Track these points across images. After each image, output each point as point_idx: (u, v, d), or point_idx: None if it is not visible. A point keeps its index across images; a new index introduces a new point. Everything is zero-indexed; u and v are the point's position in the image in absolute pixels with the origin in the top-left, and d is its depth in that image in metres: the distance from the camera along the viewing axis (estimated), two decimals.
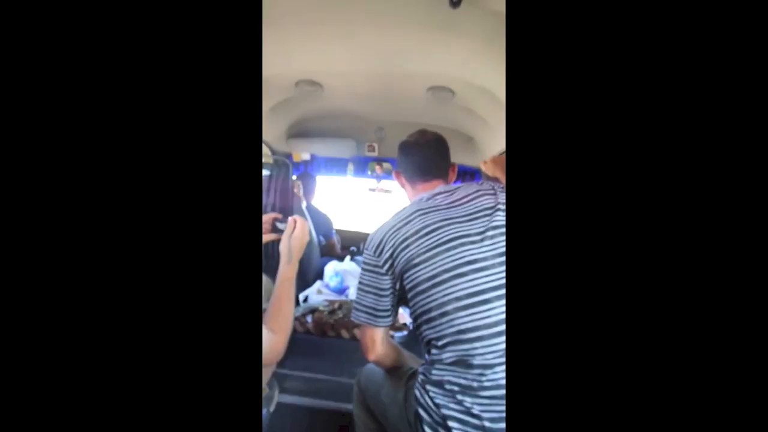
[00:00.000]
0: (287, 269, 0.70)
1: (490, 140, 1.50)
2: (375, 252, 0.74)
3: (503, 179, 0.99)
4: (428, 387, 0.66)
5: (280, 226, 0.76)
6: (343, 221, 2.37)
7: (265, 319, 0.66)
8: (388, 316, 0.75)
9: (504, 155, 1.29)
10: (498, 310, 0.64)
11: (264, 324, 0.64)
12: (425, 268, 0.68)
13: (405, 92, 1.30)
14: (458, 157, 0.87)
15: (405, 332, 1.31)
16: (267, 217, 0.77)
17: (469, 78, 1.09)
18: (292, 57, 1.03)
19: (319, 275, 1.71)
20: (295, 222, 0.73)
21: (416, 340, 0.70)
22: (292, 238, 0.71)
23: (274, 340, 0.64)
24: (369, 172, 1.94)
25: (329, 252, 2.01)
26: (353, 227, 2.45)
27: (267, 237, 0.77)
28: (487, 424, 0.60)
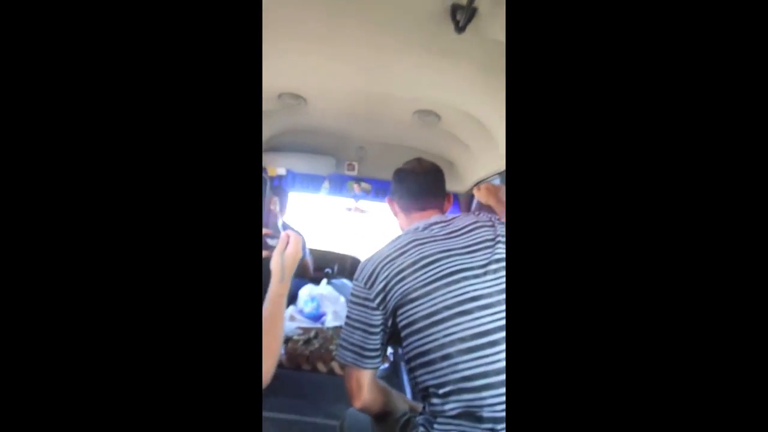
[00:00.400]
0: (280, 287, 0.65)
1: (472, 166, 1.50)
2: (366, 283, 0.68)
3: (497, 207, 0.97)
4: None
5: (270, 242, 0.72)
6: (315, 240, 2.27)
7: None
8: (377, 357, 0.68)
9: (497, 183, 1.29)
10: None
11: None
12: (423, 303, 0.63)
13: (391, 113, 1.27)
14: None
15: (386, 364, 1.23)
16: None
17: (459, 104, 1.08)
18: (278, 67, 0.97)
19: (292, 299, 1.60)
20: (288, 237, 0.69)
21: (397, 373, 0.65)
22: (285, 255, 0.67)
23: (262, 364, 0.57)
24: (348, 191, 1.88)
25: (303, 273, 1.90)
26: (326, 246, 2.35)
27: None
28: None
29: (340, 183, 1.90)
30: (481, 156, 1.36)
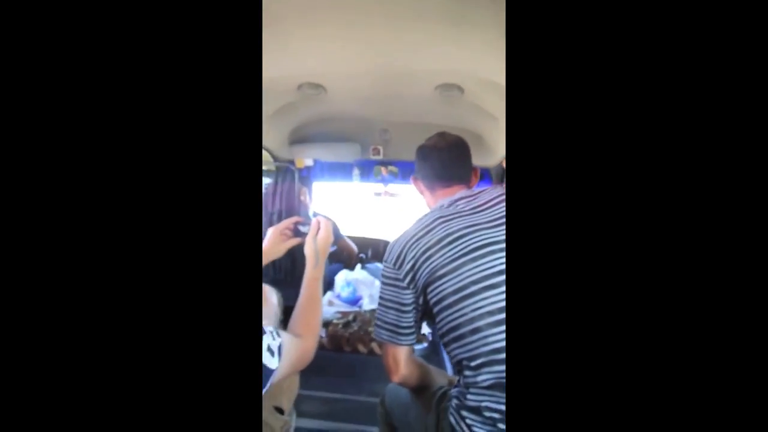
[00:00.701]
0: (314, 271, 0.68)
1: (502, 138, 1.44)
2: (395, 264, 0.69)
3: None
4: (464, 413, 0.60)
5: (303, 229, 0.75)
6: (347, 227, 2.31)
7: (292, 324, 0.63)
8: (412, 333, 0.70)
9: None
10: None
11: (290, 329, 0.61)
12: (451, 279, 0.63)
13: (412, 91, 1.25)
14: None
15: (425, 344, 1.25)
16: (288, 222, 0.76)
17: (481, 73, 1.03)
18: (294, 59, 0.98)
19: (329, 285, 1.65)
20: (319, 222, 0.72)
21: (436, 351, 0.66)
22: (318, 240, 0.70)
23: (302, 344, 0.60)
24: (375, 176, 1.88)
25: (348, 257, 1.94)
26: (359, 233, 2.39)
27: (291, 242, 0.76)
28: None
29: (367, 168, 1.90)
30: None
